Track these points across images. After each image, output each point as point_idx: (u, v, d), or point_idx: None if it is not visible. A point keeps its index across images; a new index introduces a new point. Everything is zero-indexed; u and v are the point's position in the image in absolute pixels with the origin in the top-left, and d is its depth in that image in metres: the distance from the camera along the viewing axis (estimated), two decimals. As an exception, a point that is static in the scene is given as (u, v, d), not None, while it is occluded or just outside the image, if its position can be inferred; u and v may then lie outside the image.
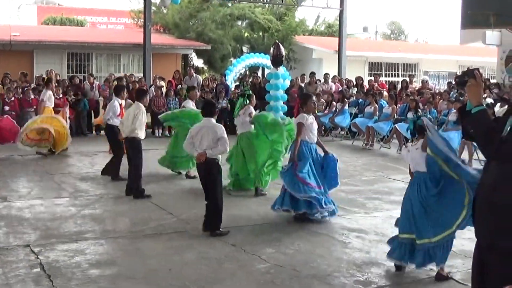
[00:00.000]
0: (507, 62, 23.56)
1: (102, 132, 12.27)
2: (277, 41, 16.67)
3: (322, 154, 9.54)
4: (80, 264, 7.06)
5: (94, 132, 20.22)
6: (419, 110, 17.31)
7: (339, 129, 21.22)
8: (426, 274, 6.94)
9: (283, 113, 20.41)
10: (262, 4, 31.67)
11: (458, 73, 4.62)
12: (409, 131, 7.19)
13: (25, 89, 18.91)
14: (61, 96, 18.61)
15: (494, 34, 23.17)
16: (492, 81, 24.16)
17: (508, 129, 4.18)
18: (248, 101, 11.70)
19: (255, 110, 12.11)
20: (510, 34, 22.19)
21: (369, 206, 10.50)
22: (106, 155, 14.61)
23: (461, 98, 16.89)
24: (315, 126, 9.45)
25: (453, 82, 22.28)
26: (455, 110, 15.89)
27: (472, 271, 4.61)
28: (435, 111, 18.07)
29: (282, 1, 28.68)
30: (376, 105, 18.88)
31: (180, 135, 12.43)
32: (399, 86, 23.32)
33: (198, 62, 34.29)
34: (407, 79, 23.27)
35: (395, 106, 18.40)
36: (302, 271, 6.99)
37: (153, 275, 6.76)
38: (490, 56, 29.09)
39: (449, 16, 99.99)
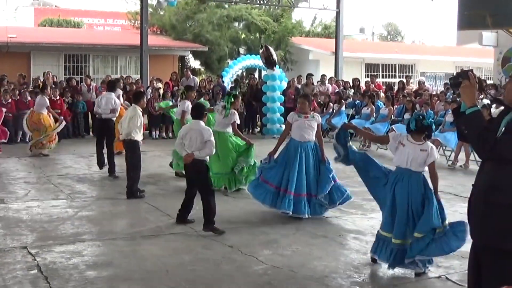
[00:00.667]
0: (504, 63, 23.60)
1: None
2: (264, 44, 16.64)
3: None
4: (77, 266, 7.06)
5: (91, 133, 20.25)
6: (416, 111, 17.34)
7: (336, 130, 21.20)
8: (425, 276, 6.97)
9: (280, 114, 20.52)
10: (259, 5, 31.71)
11: (455, 74, 4.64)
12: (407, 128, 7.10)
13: (22, 91, 18.90)
14: (58, 98, 18.60)
15: (491, 35, 23.24)
16: (488, 82, 24.20)
17: (503, 129, 4.21)
18: (232, 101, 11.65)
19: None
20: (506, 35, 22.23)
21: (366, 208, 10.51)
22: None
23: (458, 99, 16.92)
24: (303, 125, 9.64)
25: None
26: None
27: (468, 272, 4.64)
28: (432, 112, 18.09)
29: (279, 2, 28.69)
30: (373, 106, 18.90)
31: None
32: (396, 87, 23.38)
33: (195, 63, 34.31)
34: (404, 80, 23.31)
35: (392, 107, 18.42)
36: (299, 273, 7.00)
37: (150, 276, 6.77)
38: (486, 57, 29.20)
39: (445, 17, 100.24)
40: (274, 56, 16.08)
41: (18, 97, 18.61)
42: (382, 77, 31.20)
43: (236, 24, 32.95)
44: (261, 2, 29.74)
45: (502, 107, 4.48)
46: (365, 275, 7.04)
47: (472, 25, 21.20)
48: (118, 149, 14.30)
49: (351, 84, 23.35)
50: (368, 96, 19.35)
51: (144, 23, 23.09)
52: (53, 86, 19.27)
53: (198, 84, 22.17)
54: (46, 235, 8.41)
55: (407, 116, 16.36)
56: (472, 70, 4.49)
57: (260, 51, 15.80)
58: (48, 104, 16.04)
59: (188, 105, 12.89)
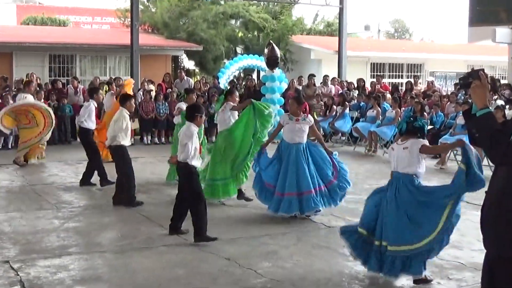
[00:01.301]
0: (519, 61, 23.63)
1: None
2: (271, 42, 16.72)
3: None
4: (63, 281, 7.05)
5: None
6: (425, 113, 17.36)
7: (340, 134, 21.25)
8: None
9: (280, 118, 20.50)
10: (257, 1, 31.75)
11: (466, 74, 4.64)
12: (399, 131, 7.27)
13: (4, 94, 18.86)
14: (42, 101, 18.54)
15: (505, 31, 23.25)
16: (502, 82, 24.22)
17: (517, 132, 4.20)
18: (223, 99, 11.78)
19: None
20: (521, 32, 22.27)
21: (372, 216, 10.50)
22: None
23: (470, 100, 16.95)
24: (294, 128, 10.14)
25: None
26: (463, 113, 15.97)
27: (482, 284, 4.63)
28: (442, 114, 18.13)
29: (278, -2, 28.76)
30: (379, 108, 18.92)
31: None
32: (403, 88, 23.41)
33: (189, 64, 34.32)
34: (412, 80, 23.34)
35: (399, 110, 18.44)
36: (301, 286, 7.00)
37: (141, 291, 6.77)
38: (500, 55, 29.19)
39: (456, 13, 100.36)
40: (278, 57, 16.14)
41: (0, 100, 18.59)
42: (389, 78, 31.22)
43: (233, 21, 32.96)
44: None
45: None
46: (371, 288, 7.04)
47: (485, 21, 21.24)
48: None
49: (356, 85, 23.40)
50: (374, 97, 19.38)
51: (134, 21, 23.12)
52: (37, 88, 19.25)
53: (192, 86, 22.19)
54: (29, 248, 8.40)
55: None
56: (483, 69, 4.48)
57: (266, 50, 15.86)
58: (33, 99, 16.00)
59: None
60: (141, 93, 20.92)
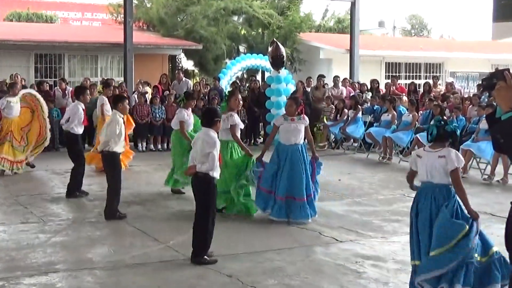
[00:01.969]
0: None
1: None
2: (275, 40, 16.73)
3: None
4: (50, 300, 7.05)
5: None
6: (445, 117, 17.33)
7: (352, 140, 21.24)
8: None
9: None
10: (261, -5, 31.80)
11: (489, 74, 4.61)
12: (428, 136, 7.15)
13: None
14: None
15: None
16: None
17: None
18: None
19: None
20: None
21: (387, 230, 10.50)
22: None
23: (494, 103, 16.94)
24: (289, 128, 10.74)
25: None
26: (486, 117, 15.96)
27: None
28: (464, 118, 18.10)
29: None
30: (394, 112, 18.90)
31: None
32: (421, 89, 23.39)
33: (187, 64, 34.38)
34: (431, 81, 23.33)
35: (417, 113, 18.42)
36: (309, 306, 6.99)
37: (135, 312, 6.77)
38: (527, 54, 29.19)
39: (479, 7, 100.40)
40: (284, 57, 16.11)
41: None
42: (405, 78, 31.20)
43: (235, 18, 33.01)
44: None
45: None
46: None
47: (510, 17, 21.25)
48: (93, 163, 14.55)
49: (369, 87, 23.38)
50: (389, 100, 19.35)
51: (128, 17, 23.15)
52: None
53: (191, 88, 22.21)
54: (13, 264, 8.40)
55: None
56: (509, 69, 4.47)
57: (270, 48, 15.82)
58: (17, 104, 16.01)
59: (185, 114, 12.94)
60: (136, 95, 20.93)
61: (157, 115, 20.28)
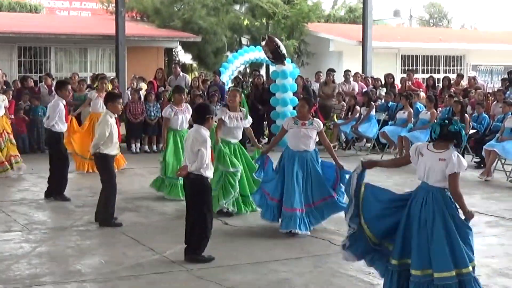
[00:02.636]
0: None
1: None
2: (267, 34, 16.67)
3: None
4: (35, 316, 7.06)
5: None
6: (466, 114, 17.31)
7: (364, 140, 21.23)
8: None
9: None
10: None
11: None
12: (430, 135, 7.21)
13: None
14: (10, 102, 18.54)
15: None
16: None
17: None
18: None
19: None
20: None
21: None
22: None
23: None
24: (299, 134, 10.54)
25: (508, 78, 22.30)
26: (512, 115, 15.96)
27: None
28: (487, 116, 18.07)
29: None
30: (411, 109, 18.89)
31: None
32: (440, 84, 23.35)
33: (185, 57, 34.40)
34: (451, 75, 23.30)
35: (435, 111, 18.40)
36: (318, 321, 6.99)
37: (128, 328, 6.77)
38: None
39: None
40: (282, 48, 15.98)
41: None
42: (423, 72, 31.22)
43: (237, 7, 33.03)
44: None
45: None
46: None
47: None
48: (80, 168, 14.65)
49: (383, 82, 23.37)
50: (405, 96, 19.34)
51: (120, 7, 23.14)
52: (4, 87, 19.29)
53: (189, 84, 22.19)
54: (-4, 276, 8.41)
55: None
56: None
57: (263, 43, 15.69)
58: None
59: (169, 110, 13.09)
60: (129, 92, 20.92)
61: (152, 114, 20.23)
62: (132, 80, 22.18)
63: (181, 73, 23.41)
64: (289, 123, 10.73)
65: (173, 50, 32.04)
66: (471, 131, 17.08)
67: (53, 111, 13.03)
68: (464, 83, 23.29)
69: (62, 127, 13.16)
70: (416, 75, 25.22)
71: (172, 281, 8.28)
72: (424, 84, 23.75)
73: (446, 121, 7.08)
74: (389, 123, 19.63)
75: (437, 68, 32.57)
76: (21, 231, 10.76)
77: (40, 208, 12.51)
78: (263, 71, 29.21)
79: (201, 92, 21.19)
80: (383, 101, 21.21)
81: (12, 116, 17.92)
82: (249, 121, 11.98)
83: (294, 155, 10.58)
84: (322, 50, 30.97)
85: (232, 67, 23.99)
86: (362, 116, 20.19)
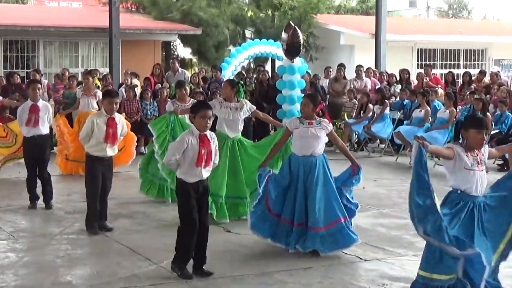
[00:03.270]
0: None
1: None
2: (292, 24, 16.73)
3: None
4: (22, 330, 7.07)
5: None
6: (488, 113, 17.29)
7: (378, 141, 21.23)
8: None
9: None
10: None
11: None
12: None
13: None
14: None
15: None
16: None
17: None
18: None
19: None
20: None
21: (418, 246, 10.41)
22: (58, 180, 14.68)
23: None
24: (306, 134, 9.92)
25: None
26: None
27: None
28: (511, 114, 18.07)
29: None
30: (428, 107, 18.87)
31: None
32: (460, 81, 23.34)
33: (184, 52, 34.43)
34: (472, 71, 23.29)
35: (455, 109, 18.38)
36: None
37: None
38: None
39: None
40: (301, 44, 16.02)
41: None
42: (441, 68, 31.22)
43: (240, -3, 33.11)
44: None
45: None
46: None
47: None
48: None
49: (398, 78, 23.36)
50: (421, 93, 19.33)
51: (113, -3, 23.22)
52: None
53: (189, 80, 22.20)
54: (-21, 288, 8.42)
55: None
56: None
57: (285, 35, 15.71)
58: None
59: (171, 106, 13.09)
60: (123, 89, 20.92)
61: (149, 112, 20.23)
62: (125, 76, 22.14)
63: (180, 69, 23.42)
64: (294, 123, 10.09)
65: (171, 43, 32.09)
66: (493, 131, 17.06)
67: (20, 115, 12.98)
68: (486, 79, 23.27)
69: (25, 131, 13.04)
70: (433, 71, 25.23)
71: (170, 293, 8.29)
72: (443, 80, 23.75)
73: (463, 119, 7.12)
74: (405, 122, 19.63)
75: (456, 63, 32.56)
76: (7, 240, 10.76)
77: (28, 215, 12.51)
78: (268, 67, 29.23)
79: (201, 89, 21.21)
80: (398, 98, 21.21)
81: None
82: (249, 108, 11.91)
83: (299, 162, 9.93)
84: (332, 43, 30.98)
85: (235, 62, 23.99)
86: (375, 115, 20.18)
